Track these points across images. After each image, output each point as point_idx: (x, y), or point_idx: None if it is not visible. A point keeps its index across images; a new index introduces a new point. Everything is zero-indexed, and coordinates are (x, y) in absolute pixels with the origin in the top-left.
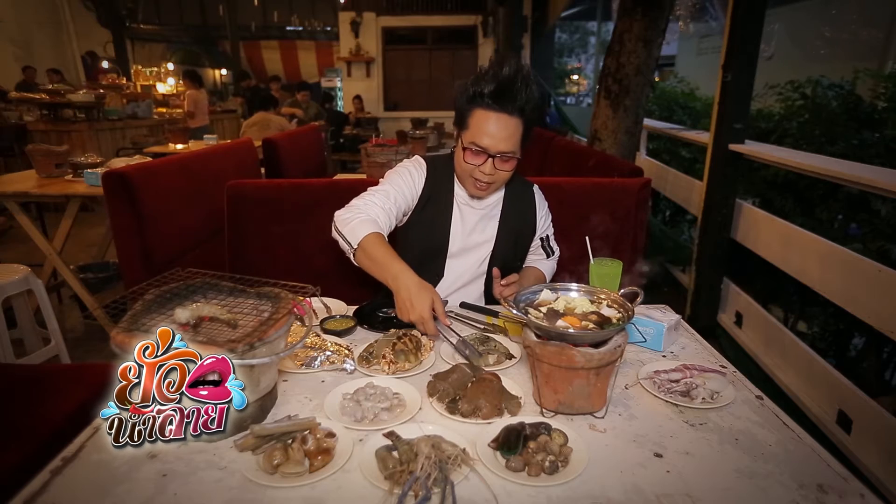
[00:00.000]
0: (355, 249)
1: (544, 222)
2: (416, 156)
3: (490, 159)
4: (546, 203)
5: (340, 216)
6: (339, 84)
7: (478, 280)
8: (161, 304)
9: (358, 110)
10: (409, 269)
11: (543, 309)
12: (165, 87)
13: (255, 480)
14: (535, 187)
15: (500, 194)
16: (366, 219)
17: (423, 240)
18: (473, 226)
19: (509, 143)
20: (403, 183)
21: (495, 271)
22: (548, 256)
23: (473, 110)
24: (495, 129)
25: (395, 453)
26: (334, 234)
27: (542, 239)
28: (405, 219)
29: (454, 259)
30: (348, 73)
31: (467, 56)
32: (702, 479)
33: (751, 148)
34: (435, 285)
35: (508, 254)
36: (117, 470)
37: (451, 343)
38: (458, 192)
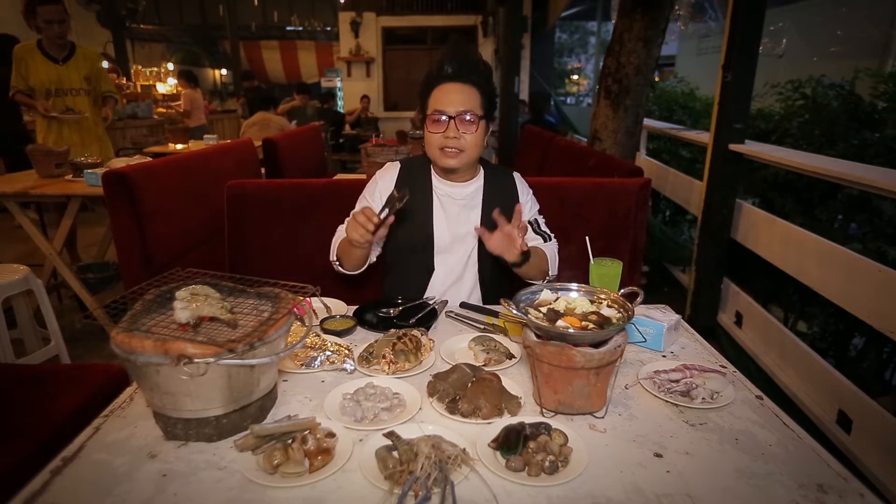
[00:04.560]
0: (338, 260)
1: (529, 208)
2: (388, 162)
3: (451, 121)
4: (530, 190)
5: (331, 250)
6: (338, 84)
7: (470, 270)
8: (161, 304)
9: (364, 109)
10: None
11: (543, 309)
12: (165, 87)
13: (255, 480)
14: (516, 174)
15: (480, 183)
16: (336, 237)
17: (408, 235)
18: (457, 216)
19: (467, 104)
20: (371, 195)
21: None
22: (545, 241)
23: (431, 91)
24: (450, 94)
25: (395, 453)
26: (334, 267)
27: (530, 223)
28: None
29: (444, 253)
30: (348, 73)
31: None
32: (702, 479)
33: (751, 148)
34: (427, 280)
35: None
36: (117, 470)
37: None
38: (437, 184)
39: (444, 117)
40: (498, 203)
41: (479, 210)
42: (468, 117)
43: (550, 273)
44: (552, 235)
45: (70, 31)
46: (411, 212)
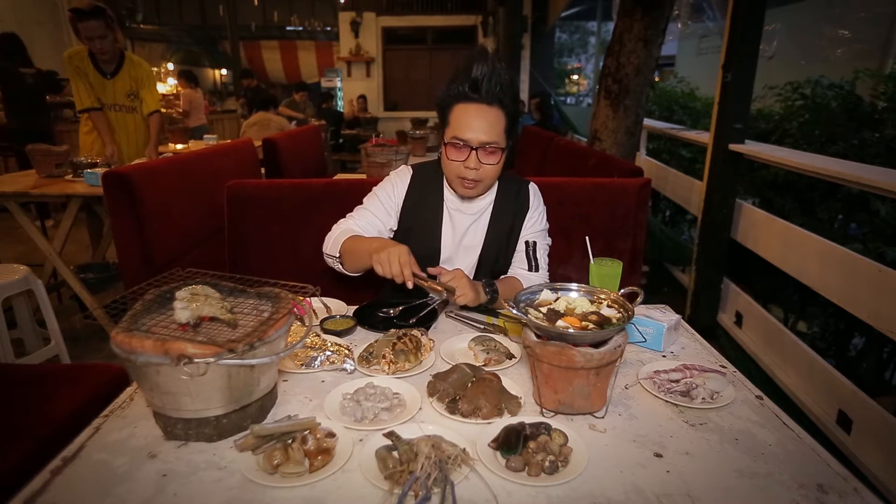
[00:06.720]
0: (340, 257)
1: (534, 224)
2: (403, 166)
3: (473, 152)
4: (541, 204)
5: (325, 242)
6: (339, 84)
7: None
8: (161, 304)
9: (360, 110)
10: (385, 239)
11: (543, 309)
12: (165, 87)
13: (255, 480)
14: (532, 186)
15: (492, 196)
16: (341, 232)
17: (415, 247)
18: (464, 230)
19: (491, 134)
20: (385, 195)
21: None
22: (530, 268)
23: (453, 106)
24: (475, 120)
25: (395, 453)
26: (326, 260)
27: (526, 243)
28: (394, 230)
29: (445, 265)
30: (348, 73)
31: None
32: (702, 479)
33: (751, 148)
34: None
35: (500, 255)
36: (117, 470)
37: (426, 287)
38: (448, 196)
39: (465, 146)
40: (507, 215)
41: (486, 222)
42: (491, 146)
43: None
44: (543, 267)
45: (118, 44)
46: (419, 223)
